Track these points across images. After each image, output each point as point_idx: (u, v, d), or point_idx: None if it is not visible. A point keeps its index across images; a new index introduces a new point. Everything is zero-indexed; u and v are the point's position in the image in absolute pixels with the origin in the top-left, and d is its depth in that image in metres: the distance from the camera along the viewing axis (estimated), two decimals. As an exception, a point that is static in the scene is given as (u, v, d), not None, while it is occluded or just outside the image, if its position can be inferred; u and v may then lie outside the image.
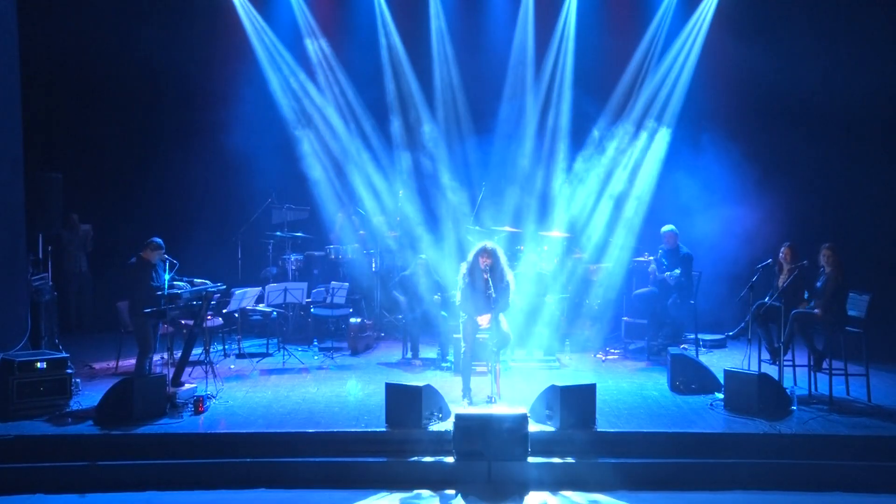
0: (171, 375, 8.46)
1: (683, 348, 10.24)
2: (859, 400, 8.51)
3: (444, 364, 9.91)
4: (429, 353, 10.41)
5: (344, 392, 8.85)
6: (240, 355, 10.48)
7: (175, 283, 8.66)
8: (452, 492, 7.01)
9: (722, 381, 8.39)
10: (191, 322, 8.99)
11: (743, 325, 9.19)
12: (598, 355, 10.48)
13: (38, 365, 8.14)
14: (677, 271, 10.18)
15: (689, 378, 8.75)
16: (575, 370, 9.82)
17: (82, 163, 12.13)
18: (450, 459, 7.23)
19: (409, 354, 10.30)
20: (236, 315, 10.42)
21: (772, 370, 8.69)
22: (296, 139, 12.14)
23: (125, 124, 12.28)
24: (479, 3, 12.53)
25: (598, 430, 7.56)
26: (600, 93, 12.24)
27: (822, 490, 7.04)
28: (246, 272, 11.91)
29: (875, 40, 11.61)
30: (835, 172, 11.95)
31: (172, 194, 12.24)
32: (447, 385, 8.72)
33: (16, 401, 7.91)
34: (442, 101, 12.35)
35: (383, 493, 7.00)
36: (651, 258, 10.50)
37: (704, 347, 10.68)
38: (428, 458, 7.30)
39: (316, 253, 12.16)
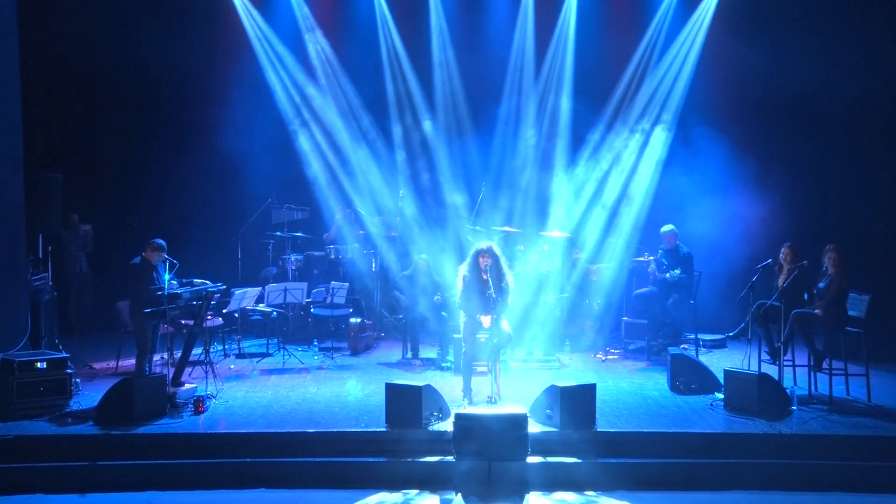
0: (171, 375, 8.46)
1: (683, 348, 10.24)
2: (859, 400, 8.51)
3: (444, 364, 9.91)
4: (429, 353, 10.41)
5: (344, 392, 8.85)
6: (240, 355, 10.48)
7: (172, 283, 8.64)
8: (452, 492, 7.02)
9: (722, 381, 8.39)
10: (191, 322, 8.99)
11: (743, 325, 9.18)
12: (598, 355, 10.48)
13: (38, 365, 8.14)
14: (677, 271, 10.18)
15: (689, 378, 8.75)
16: (575, 370, 9.83)
17: (82, 163, 12.14)
18: (450, 459, 7.23)
19: (409, 354, 10.30)
20: (236, 315, 10.42)
21: (772, 370, 8.69)
22: (296, 139, 12.14)
23: (125, 124, 12.28)
24: (479, 3, 12.52)
25: (598, 430, 7.56)
26: (600, 93, 12.23)
27: (822, 490, 7.05)
28: (246, 272, 11.92)
29: (875, 40, 11.60)
30: (835, 172, 11.95)
31: (172, 194, 12.23)
32: (447, 385, 8.72)
33: (16, 401, 7.91)
34: (441, 101, 12.34)
35: (383, 493, 7.01)
36: (651, 258, 10.51)
37: (704, 347, 10.69)
38: (428, 458, 7.30)
39: (316, 253, 12.16)
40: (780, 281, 8.98)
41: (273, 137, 12.15)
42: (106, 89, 12.22)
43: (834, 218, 11.73)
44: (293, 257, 11.72)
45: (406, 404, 7.56)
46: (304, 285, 10.60)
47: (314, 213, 12.37)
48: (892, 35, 11.58)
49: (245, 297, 10.02)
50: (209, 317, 9.58)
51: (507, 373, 9.38)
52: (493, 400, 8.22)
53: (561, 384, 7.62)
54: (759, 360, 8.86)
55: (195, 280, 8.94)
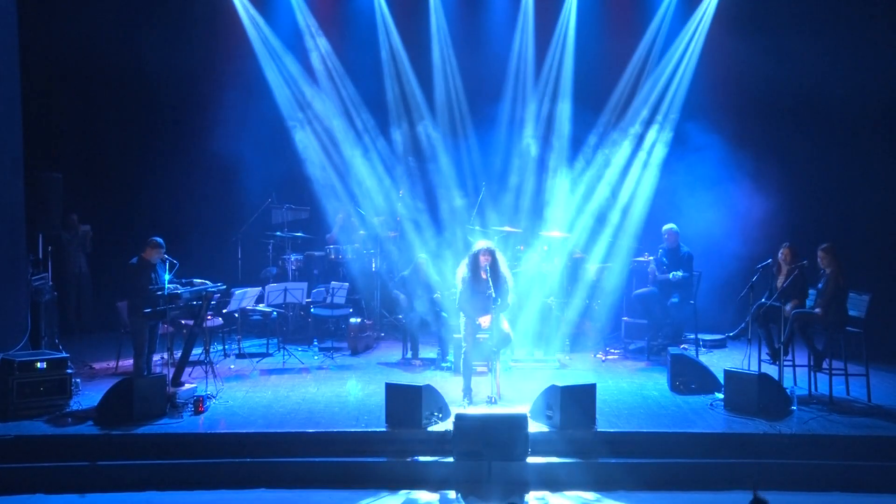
0: (171, 375, 8.46)
1: (683, 348, 10.25)
2: (859, 400, 8.52)
3: (444, 364, 9.91)
4: (429, 353, 10.41)
5: (344, 392, 8.85)
6: (240, 355, 10.48)
7: (172, 284, 8.63)
8: (452, 492, 7.02)
9: (722, 381, 8.39)
10: (191, 322, 8.99)
11: (743, 325, 9.19)
12: (598, 355, 10.48)
13: (38, 365, 8.14)
14: (679, 273, 10.18)
15: (689, 378, 8.76)
16: (575, 370, 9.83)
17: (82, 163, 12.11)
18: (450, 459, 7.23)
19: (409, 354, 10.30)
20: (236, 315, 10.42)
21: (772, 370, 8.69)
22: (296, 139, 12.14)
23: (125, 124, 12.26)
24: (479, 3, 12.52)
25: (599, 429, 7.57)
26: (600, 93, 12.22)
27: (822, 490, 7.05)
28: (246, 272, 11.90)
29: (875, 40, 11.59)
30: (835, 172, 11.93)
31: (172, 194, 12.21)
32: (447, 385, 8.71)
33: (16, 401, 7.91)
34: (442, 101, 12.34)
35: (383, 493, 7.01)
36: (651, 258, 10.51)
37: (704, 347, 10.68)
38: (428, 458, 7.30)
39: (316, 253, 12.16)
40: (779, 282, 8.99)
41: (273, 138, 12.15)
42: (106, 89, 12.20)
43: (834, 218, 11.72)
44: (293, 257, 11.71)
45: (406, 404, 7.57)
46: (304, 285, 10.60)
47: (314, 213, 12.37)
48: (892, 35, 11.57)
49: (245, 297, 10.02)
50: (209, 317, 9.58)
51: (507, 373, 9.38)
52: (493, 400, 8.22)
53: (561, 384, 7.62)
54: (759, 360, 8.86)
55: (195, 280, 8.94)
